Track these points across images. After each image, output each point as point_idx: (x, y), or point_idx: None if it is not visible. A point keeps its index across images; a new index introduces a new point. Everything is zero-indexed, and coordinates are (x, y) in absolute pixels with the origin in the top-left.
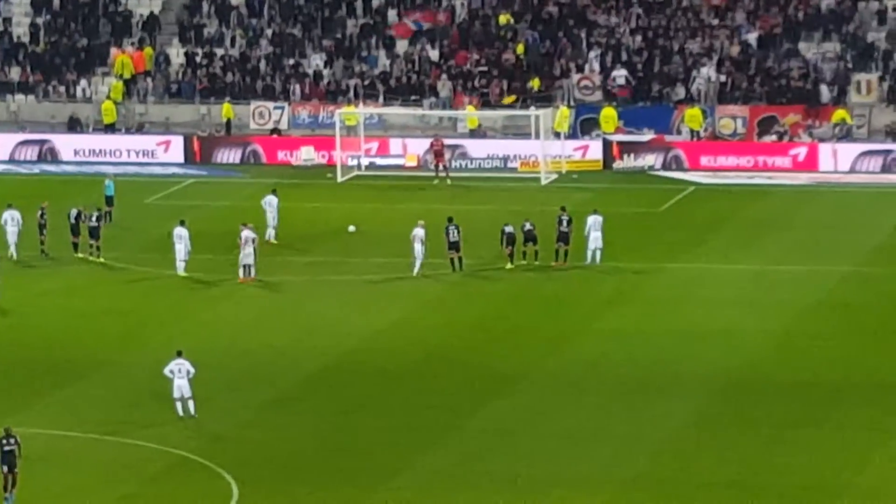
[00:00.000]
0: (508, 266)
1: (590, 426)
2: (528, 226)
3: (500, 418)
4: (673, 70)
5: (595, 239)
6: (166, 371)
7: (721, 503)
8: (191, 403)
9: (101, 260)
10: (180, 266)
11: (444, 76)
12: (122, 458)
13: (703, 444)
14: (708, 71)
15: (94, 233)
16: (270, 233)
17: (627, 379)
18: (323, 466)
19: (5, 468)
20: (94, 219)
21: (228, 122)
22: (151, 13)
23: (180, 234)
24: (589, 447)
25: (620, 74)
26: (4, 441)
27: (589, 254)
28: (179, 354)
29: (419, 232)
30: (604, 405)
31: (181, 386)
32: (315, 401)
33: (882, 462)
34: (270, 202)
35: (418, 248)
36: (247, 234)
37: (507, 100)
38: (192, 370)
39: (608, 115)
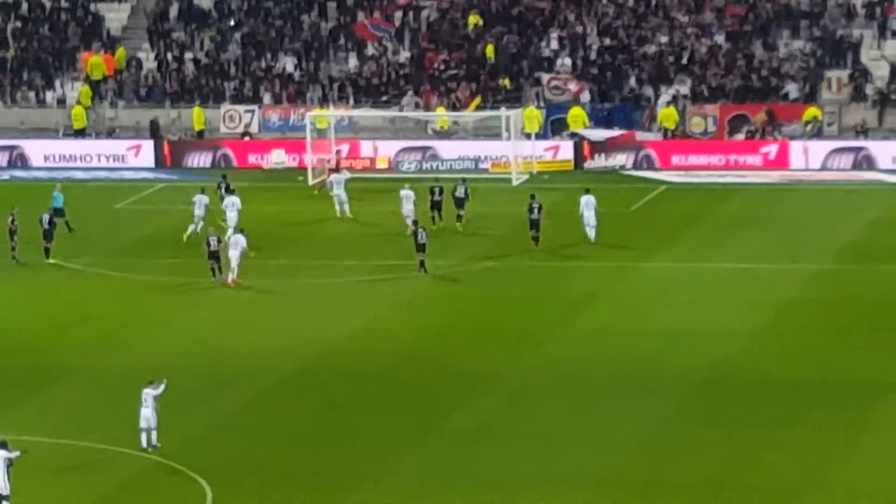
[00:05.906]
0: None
1: (564, 426)
2: (459, 191)
3: (476, 419)
4: (644, 69)
5: (588, 217)
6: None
7: (697, 503)
8: (154, 434)
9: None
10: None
11: (413, 78)
12: (96, 462)
13: (677, 443)
14: (676, 85)
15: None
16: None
17: (601, 379)
18: (299, 469)
19: None
20: (45, 222)
21: (201, 133)
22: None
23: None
24: (564, 447)
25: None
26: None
27: (588, 230)
28: (150, 384)
29: (407, 193)
30: (578, 405)
31: (146, 416)
32: (290, 403)
33: (859, 459)
34: (234, 203)
35: (409, 208)
36: (236, 238)
37: (475, 102)
38: (158, 391)
39: (576, 114)
